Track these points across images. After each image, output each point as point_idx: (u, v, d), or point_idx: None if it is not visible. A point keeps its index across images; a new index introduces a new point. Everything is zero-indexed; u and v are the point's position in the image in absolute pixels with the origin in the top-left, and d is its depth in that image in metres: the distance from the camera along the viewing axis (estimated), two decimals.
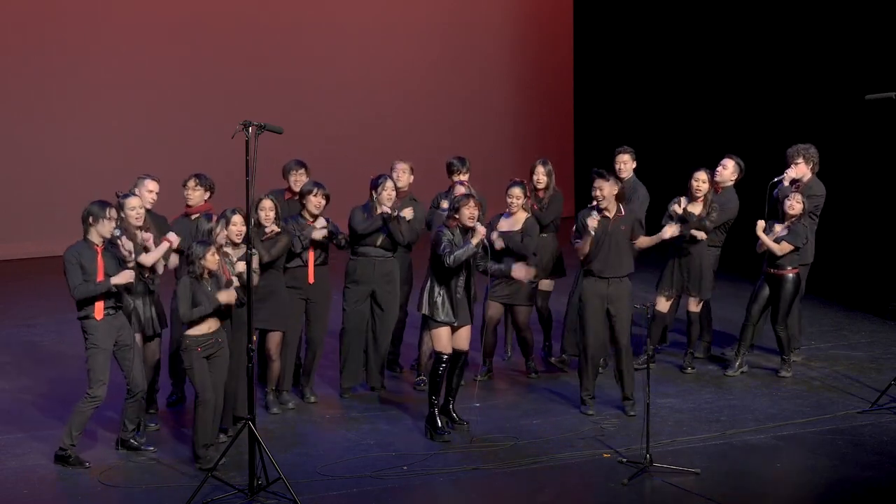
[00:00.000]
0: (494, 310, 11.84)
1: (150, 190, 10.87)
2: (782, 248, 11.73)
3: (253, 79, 18.52)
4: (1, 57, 17.50)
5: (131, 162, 17.43)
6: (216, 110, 17.94)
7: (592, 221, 10.89)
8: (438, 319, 10.49)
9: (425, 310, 10.53)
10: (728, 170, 12.23)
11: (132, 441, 10.18)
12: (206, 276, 9.80)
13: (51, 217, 17.16)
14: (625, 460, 9.85)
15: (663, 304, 12.09)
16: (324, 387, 11.79)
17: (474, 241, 10.44)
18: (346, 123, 19.02)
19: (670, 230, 11.25)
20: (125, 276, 9.86)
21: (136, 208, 10.42)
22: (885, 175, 14.36)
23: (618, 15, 18.94)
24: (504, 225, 11.66)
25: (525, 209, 11.71)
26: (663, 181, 13.15)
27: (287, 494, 9.11)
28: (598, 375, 11.18)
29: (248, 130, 9.14)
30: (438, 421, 10.48)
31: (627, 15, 18.77)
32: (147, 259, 10.39)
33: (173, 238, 10.57)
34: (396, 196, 11.52)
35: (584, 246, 10.91)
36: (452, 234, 10.44)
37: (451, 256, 10.33)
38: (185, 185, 11.25)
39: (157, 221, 10.87)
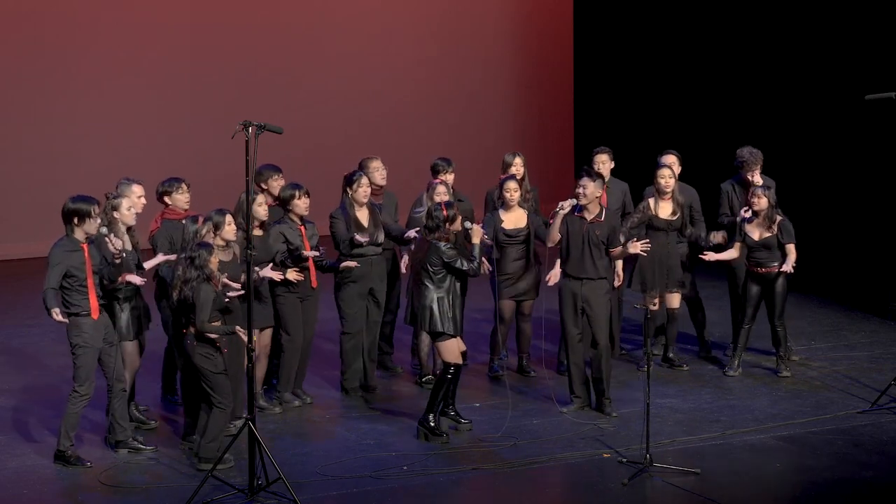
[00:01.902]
0: (509, 308, 11.86)
1: (139, 195, 10.63)
2: (792, 250, 11.78)
3: (253, 79, 18.52)
4: (1, 57, 17.50)
5: (132, 162, 17.43)
6: (216, 110, 17.94)
7: (566, 203, 10.90)
8: (450, 333, 10.47)
9: (435, 326, 10.41)
10: (676, 165, 12.30)
11: (133, 441, 10.16)
12: (213, 278, 9.80)
13: (51, 217, 17.07)
14: (625, 460, 9.85)
15: (656, 305, 12.10)
16: (324, 387, 11.79)
17: (476, 240, 10.51)
18: (345, 123, 19.02)
19: (634, 247, 11.19)
20: (137, 279, 9.97)
21: (131, 208, 10.39)
22: (885, 175, 14.36)
23: (618, 15, 18.94)
24: (507, 223, 11.71)
25: (521, 205, 11.76)
26: None
27: (287, 494, 9.10)
28: (587, 377, 11.13)
29: (248, 130, 9.13)
30: (432, 422, 10.47)
31: (627, 15, 18.76)
32: (135, 279, 10.31)
33: (137, 280, 10.35)
34: (373, 193, 11.63)
35: (553, 233, 10.93)
36: (453, 245, 10.45)
37: (475, 265, 10.41)
38: (176, 191, 10.95)
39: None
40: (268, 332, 10.97)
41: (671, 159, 12.29)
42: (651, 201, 12.04)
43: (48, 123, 17.72)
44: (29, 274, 16.69)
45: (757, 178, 12.18)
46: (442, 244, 10.41)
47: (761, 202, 11.79)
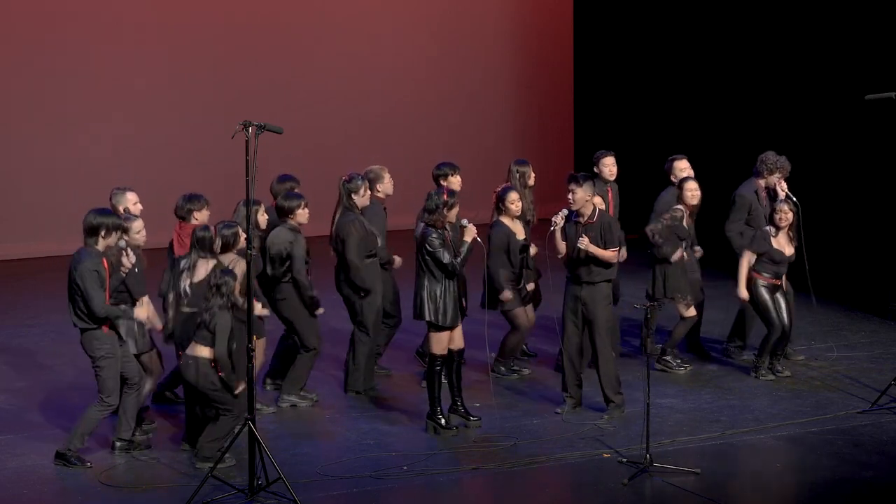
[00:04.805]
0: (523, 314, 11.78)
1: (134, 203, 10.59)
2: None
3: (253, 79, 18.51)
4: (1, 57, 17.50)
5: (132, 162, 17.46)
6: (216, 110, 17.94)
7: (558, 217, 10.84)
8: (444, 325, 10.48)
9: (429, 316, 10.45)
10: (689, 171, 12.26)
11: (134, 441, 10.15)
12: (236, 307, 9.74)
13: (51, 217, 17.14)
14: (625, 460, 9.86)
15: (692, 311, 12.05)
16: (324, 386, 11.78)
17: (468, 237, 10.48)
18: (345, 124, 19.01)
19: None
20: (144, 313, 9.98)
21: (141, 230, 10.33)
22: (885, 175, 14.36)
23: (618, 15, 18.94)
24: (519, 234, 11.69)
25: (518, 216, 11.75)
26: (662, 181, 13.11)
27: (287, 494, 9.11)
28: (580, 377, 11.12)
29: (248, 130, 9.13)
30: (442, 418, 10.49)
31: (627, 15, 18.77)
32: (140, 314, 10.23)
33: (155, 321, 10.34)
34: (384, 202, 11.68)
35: (558, 246, 10.87)
36: (442, 234, 10.42)
37: (458, 262, 10.39)
38: (206, 207, 10.80)
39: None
40: (261, 342, 10.79)
41: (687, 165, 12.21)
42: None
43: (49, 124, 17.70)
44: (29, 274, 16.71)
45: (784, 186, 12.10)
46: (431, 231, 10.40)
47: (788, 217, 11.70)
